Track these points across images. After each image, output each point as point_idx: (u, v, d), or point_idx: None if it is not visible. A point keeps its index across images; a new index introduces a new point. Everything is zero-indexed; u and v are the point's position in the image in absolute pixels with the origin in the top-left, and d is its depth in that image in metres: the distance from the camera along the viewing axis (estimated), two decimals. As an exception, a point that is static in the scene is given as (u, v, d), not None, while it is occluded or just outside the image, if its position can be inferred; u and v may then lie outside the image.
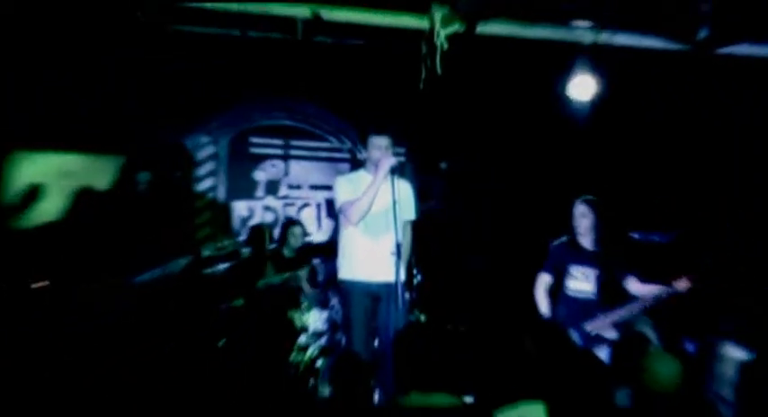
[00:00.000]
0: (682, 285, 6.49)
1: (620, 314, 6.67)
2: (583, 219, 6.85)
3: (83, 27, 7.61)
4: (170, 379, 4.98)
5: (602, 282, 6.84)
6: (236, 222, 9.35)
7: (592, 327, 6.73)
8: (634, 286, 6.82)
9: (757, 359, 5.94)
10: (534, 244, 7.45)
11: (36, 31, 7.53)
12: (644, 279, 6.81)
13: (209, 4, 7.04)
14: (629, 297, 6.78)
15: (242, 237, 9.08)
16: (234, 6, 7.15)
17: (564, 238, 6.96)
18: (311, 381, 7.19)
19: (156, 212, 8.10)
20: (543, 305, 6.90)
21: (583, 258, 6.86)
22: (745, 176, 8.54)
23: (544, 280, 6.94)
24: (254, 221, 9.36)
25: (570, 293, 6.85)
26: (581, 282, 6.85)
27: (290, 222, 8.74)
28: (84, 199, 8.09)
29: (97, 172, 8.42)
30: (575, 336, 6.68)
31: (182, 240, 8.37)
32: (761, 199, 8.42)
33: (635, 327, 6.63)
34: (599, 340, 6.68)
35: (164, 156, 8.81)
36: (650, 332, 6.52)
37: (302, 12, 7.15)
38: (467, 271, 8.71)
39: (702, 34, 7.60)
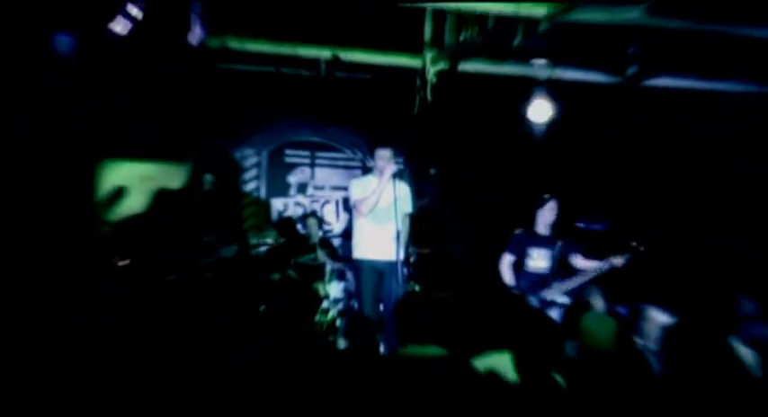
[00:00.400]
0: (617, 261, 6.56)
1: (569, 284, 6.75)
2: (552, 212, 6.89)
3: (171, 77, 7.78)
4: (224, 334, 4.94)
5: (554, 260, 6.89)
6: (274, 214, 9.36)
7: (547, 295, 6.77)
8: (579, 262, 6.89)
9: (678, 322, 5.92)
10: (500, 231, 7.49)
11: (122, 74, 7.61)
12: (586, 256, 6.89)
13: (251, 46, 7.07)
14: (575, 271, 6.84)
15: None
16: (270, 48, 7.18)
17: (521, 228, 7.01)
18: (331, 336, 7.22)
19: (215, 207, 8.11)
20: (508, 276, 6.91)
21: (539, 242, 6.90)
22: (661, 180, 8.59)
23: (508, 259, 6.94)
24: (287, 214, 9.36)
25: (529, 269, 6.88)
26: (538, 261, 6.88)
27: (306, 215, 8.81)
28: (160, 197, 8.11)
29: (171, 176, 8.44)
30: (533, 302, 6.71)
31: (233, 228, 8.39)
32: (678, 199, 8.48)
33: (586, 295, 6.66)
34: (552, 304, 6.73)
35: (220, 164, 8.84)
36: (599, 300, 6.53)
37: (325, 54, 7.16)
38: (450, 252, 8.72)
39: (631, 70, 7.62)
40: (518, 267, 6.97)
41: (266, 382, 3.54)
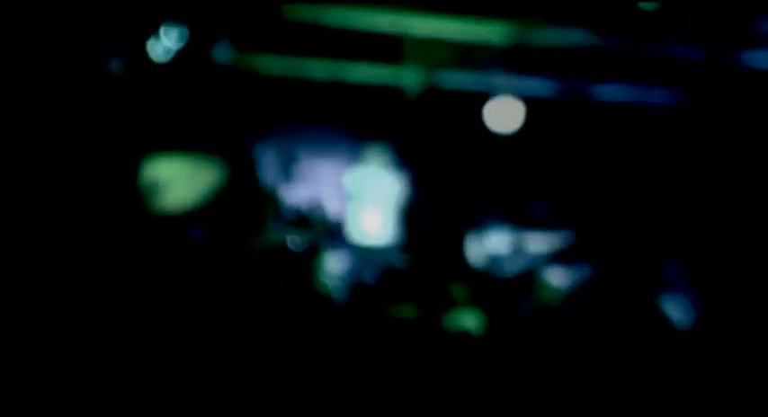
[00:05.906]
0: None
1: (525, 259, 6.91)
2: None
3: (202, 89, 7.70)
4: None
5: (516, 241, 7.08)
6: (283, 200, 9.09)
7: (509, 266, 6.89)
8: (532, 245, 7.05)
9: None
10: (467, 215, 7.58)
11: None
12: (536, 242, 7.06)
13: (266, 63, 7.08)
14: (529, 252, 7.01)
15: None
16: (281, 65, 7.22)
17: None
18: (331, 300, 7.18)
19: (238, 190, 8.11)
20: (483, 252, 7.04)
21: (510, 228, 7.15)
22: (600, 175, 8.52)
23: (486, 239, 7.07)
24: (294, 199, 9.17)
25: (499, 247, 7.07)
26: (507, 241, 7.09)
27: (309, 200, 8.77)
28: (197, 186, 8.09)
29: (205, 169, 8.43)
30: (495, 271, 6.79)
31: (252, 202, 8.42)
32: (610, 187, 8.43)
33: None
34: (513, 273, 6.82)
35: (243, 159, 8.87)
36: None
37: (326, 67, 7.18)
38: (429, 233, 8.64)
39: (572, 83, 7.55)
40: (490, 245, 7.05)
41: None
